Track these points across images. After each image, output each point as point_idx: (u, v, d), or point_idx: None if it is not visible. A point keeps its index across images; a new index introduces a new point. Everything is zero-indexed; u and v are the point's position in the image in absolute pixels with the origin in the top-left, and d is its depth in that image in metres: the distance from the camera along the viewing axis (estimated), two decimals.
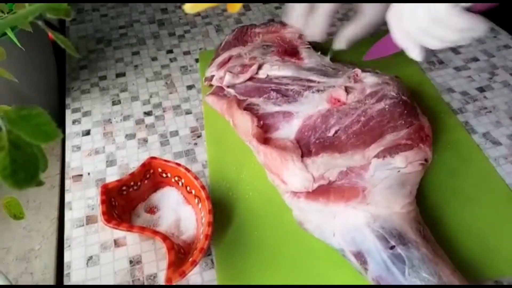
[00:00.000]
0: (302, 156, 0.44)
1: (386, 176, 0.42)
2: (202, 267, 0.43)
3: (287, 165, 0.44)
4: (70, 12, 0.25)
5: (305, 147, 0.46)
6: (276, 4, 0.79)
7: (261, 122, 0.49)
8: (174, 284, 0.37)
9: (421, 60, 0.43)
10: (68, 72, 0.66)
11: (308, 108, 0.50)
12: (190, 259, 0.38)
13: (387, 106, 0.47)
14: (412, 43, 0.42)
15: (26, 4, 0.26)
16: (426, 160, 0.45)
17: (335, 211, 0.41)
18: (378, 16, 0.50)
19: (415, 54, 0.46)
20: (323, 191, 0.42)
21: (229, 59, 0.58)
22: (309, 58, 0.56)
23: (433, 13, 0.39)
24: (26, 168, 0.20)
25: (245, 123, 0.49)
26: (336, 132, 0.46)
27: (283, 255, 0.43)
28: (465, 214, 0.45)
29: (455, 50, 0.66)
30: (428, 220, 0.42)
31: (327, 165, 0.44)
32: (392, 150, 0.43)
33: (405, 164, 0.43)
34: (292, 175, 0.44)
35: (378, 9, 0.50)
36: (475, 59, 0.65)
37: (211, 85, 0.59)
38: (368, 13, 0.50)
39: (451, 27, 0.39)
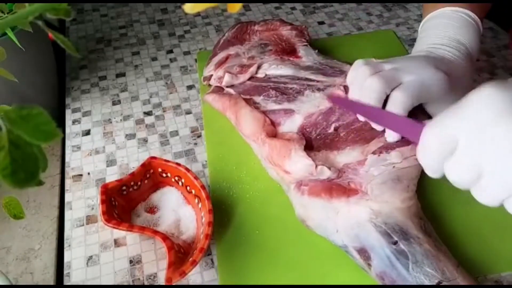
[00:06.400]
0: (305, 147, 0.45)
1: (381, 171, 0.42)
2: (202, 267, 0.43)
3: (289, 155, 0.44)
4: (70, 12, 0.25)
5: (307, 142, 0.46)
6: (276, 4, 0.79)
7: (270, 120, 0.50)
8: (174, 284, 0.37)
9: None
10: (68, 72, 0.66)
11: (309, 107, 0.50)
12: (190, 259, 0.39)
13: None
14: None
15: (26, 4, 0.26)
16: None
17: (338, 207, 0.41)
18: None
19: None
20: (325, 187, 0.43)
21: (227, 58, 0.58)
22: (306, 56, 0.57)
23: None
24: (26, 168, 0.20)
25: (252, 121, 0.50)
26: (336, 128, 0.47)
27: (284, 254, 0.43)
28: (465, 212, 0.45)
29: None
30: (430, 219, 0.42)
31: (326, 162, 0.44)
32: (389, 146, 0.44)
33: (400, 159, 0.43)
34: (294, 163, 0.44)
35: None
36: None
37: (209, 85, 0.59)
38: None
39: None
